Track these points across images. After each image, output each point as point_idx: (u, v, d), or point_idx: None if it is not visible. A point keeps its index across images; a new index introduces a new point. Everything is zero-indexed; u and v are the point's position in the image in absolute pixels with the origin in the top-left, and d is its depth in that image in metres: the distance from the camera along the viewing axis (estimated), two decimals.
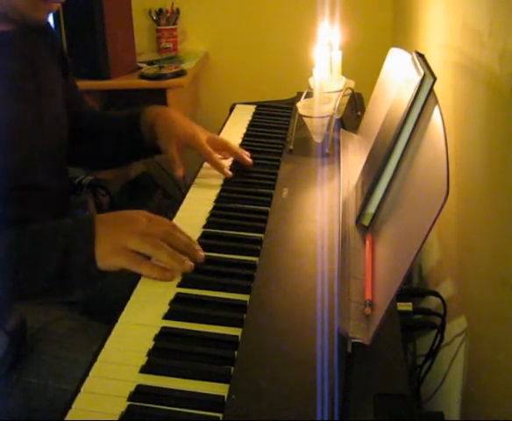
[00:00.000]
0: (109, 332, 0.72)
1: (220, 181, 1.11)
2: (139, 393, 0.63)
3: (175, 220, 0.97)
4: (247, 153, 1.17)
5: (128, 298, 0.78)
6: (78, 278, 0.81)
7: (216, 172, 1.13)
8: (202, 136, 1.14)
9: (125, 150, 1.23)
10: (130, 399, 0.62)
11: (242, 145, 1.30)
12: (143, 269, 0.81)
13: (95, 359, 0.68)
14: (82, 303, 1.04)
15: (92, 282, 0.82)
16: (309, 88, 1.29)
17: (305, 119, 1.22)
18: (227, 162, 1.17)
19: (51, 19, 1.55)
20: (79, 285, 0.81)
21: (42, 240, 0.82)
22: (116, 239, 0.81)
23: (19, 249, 0.81)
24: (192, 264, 0.82)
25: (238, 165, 1.17)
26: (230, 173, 1.11)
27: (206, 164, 1.17)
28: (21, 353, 0.86)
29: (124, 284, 0.81)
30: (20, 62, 1.00)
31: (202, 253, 0.85)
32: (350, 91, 1.36)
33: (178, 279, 0.82)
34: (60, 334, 0.91)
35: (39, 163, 1.01)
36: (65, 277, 0.80)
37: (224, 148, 1.17)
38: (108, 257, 0.81)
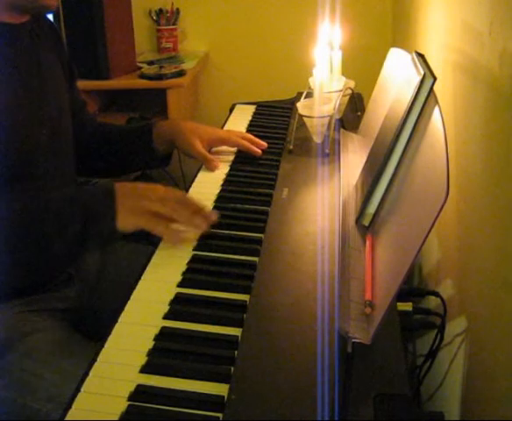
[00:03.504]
0: (109, 332, 0.72)
1: (220, 182, 1.11)
2: (139, 393, 0.63)
3: None
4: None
5: (128, 298, 0.78)
6: (99, 237, 0.88)
7: (215, 172, 1.15)
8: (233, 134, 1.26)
9: (133, 161, 1.28)
10: (130, 399, 0.62)
11: None
12: (159, 229, 0.87)
13: (95, 359, 0.68)
14: (70, 319, 1.02)
15: (110, 241, 0.90)
16: (309, 88, 1.29)
17: (305, 119, 1.22)
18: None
19: (50, 18, 1.55)
20: (98, 242, 0.90)
21: (65, 206, 0.88)
22: (137, 202, 0.87)
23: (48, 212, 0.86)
24: (206, 223, 0.90)
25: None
26: (259, 151, 1.21)
27: None
28: None
29: (115, 299, 0.81)
30: (26, 56, 1.01)
31: (216, 215, 0.93)
32: (350, 91, 1.36)
33: (178, 278, 0.82)
34: (40, 348, 0.88)
35: (39, 156, 1.01)
36: (87, 236, 0.86)
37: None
38: (128, 218, 0.86)
